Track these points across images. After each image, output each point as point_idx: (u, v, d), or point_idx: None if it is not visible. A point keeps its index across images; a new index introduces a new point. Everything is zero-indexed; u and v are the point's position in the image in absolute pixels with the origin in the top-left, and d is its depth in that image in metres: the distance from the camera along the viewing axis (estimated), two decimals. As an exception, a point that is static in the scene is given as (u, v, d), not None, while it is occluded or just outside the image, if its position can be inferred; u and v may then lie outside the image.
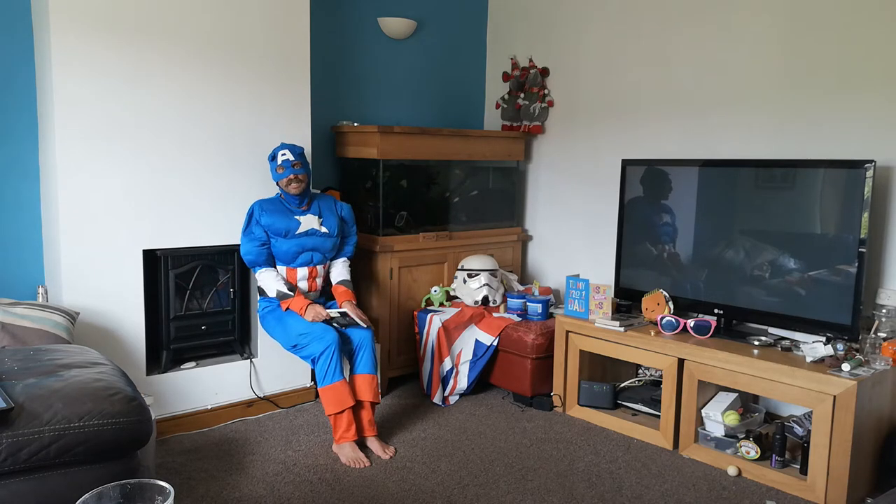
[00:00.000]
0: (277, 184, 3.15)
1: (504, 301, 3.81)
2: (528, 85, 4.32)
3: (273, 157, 3.11)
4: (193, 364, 3.27)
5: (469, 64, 4.62)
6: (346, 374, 3.00)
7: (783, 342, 2.96)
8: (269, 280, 3.12)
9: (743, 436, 2.91)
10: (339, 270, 3.29)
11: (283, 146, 3.11)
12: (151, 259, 3.13)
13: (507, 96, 4.48)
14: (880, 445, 2.75)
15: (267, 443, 3.08)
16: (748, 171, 3.14)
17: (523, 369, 3.54)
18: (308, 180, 3.18)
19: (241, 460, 2.91)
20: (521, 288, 4.09)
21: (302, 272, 3.21)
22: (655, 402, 3.25)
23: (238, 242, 3.27)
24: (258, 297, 3.26)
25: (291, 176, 3.08)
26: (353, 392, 2.98)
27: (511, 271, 4.24)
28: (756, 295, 3.10)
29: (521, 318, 3.69)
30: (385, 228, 3.80)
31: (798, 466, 2.78)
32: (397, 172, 3.88)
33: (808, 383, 2.64)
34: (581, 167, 4.17)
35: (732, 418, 2.94)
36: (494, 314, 3.74)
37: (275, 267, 3.18)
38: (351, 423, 2.94)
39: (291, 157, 3.08)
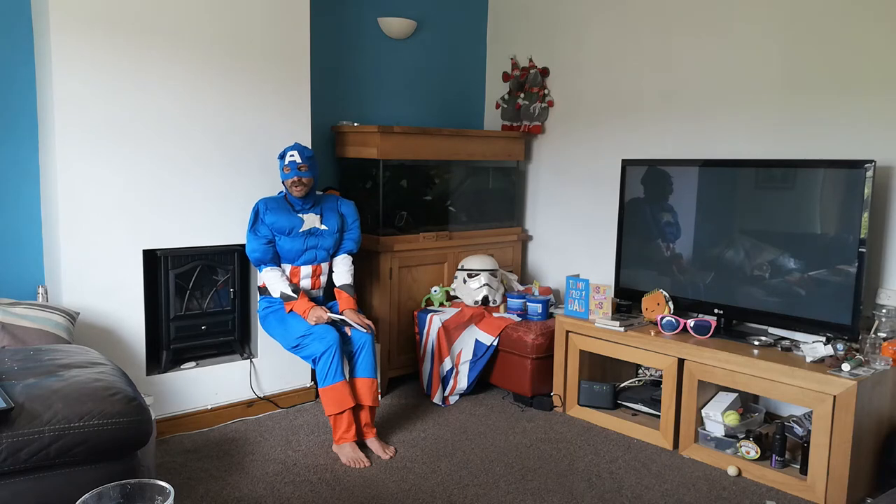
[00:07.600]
0: (283, 183, 3.15)
1: (504, 301, 3.81)
2: (528, 85, 4.32)
3: (282, 156, 3.09)
4: (193, 364, 3.27)
5: (469, 64, 4.62)
6: (347, 374, 3.00)
7: (783, 342, 2.96)
8: (273, 280, 3.11)
9: (743, 436, 2.91)
10: (341, 271, 3.27)
11: (294, 147, 3.08)
12: (151, 259, 3.13)
13: (507, 96, 4.48)
14: (880, 445, 2.75)
15: (267, 443, 3.08)
16: (748, 171, 3.14)
17: (523, 369, 3.54)
18: (314, 184, 3.16)
19: (241, 460, 2.91)
20: (521, 288, 4.09)
21: (305, 270, 3.20)
22: (655, 402, 3.25)
23: (239, 242, 3.28)
24: (258, 297, 3.26)
25: (295, 178, 3.06)
26: (353, 394, 2.98)
27: (511, 271, 4.24)
28: (756, 295, 3.10)
29: (521, 318, 3.69)
30: (385, 228, 3.80)
31: (798, 466, 2.78)
32: (397, 172, 3.88)
33: (808, 383, 2.64)
34: (581, 167, 4.17)
35: (732, 418, 2.94)
36: (494, 314, 3.74)
37: (280, 266, 3.18)
38: (351, 424, 2.94)
39: (298, 160, 3.05)
